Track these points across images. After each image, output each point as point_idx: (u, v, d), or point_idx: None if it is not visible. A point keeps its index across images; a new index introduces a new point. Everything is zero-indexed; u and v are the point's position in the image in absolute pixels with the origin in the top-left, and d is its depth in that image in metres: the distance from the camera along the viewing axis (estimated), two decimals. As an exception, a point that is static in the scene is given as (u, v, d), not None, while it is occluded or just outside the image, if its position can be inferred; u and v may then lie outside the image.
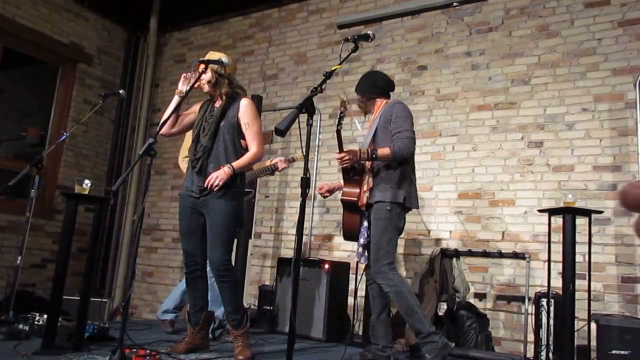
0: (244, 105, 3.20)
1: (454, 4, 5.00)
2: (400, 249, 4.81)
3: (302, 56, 5.90)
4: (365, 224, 3.36)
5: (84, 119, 4.39)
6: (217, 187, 3.02)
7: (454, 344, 3.79)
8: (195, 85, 3.13)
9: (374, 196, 3.29)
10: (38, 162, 3.65)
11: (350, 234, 3.45)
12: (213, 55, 3.21)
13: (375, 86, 3.52)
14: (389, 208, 3.24)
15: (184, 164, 3.86)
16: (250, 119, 3.19)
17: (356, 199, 3.35)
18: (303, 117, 2.54)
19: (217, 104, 3.26)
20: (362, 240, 3.36)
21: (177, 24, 7.00)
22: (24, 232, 3.60)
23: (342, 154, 3.22)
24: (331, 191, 3.65)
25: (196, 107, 3.36)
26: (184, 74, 3.20)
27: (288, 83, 5.91)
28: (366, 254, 3.35)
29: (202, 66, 3.13)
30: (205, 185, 3.05)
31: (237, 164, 3.10)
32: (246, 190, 3.77)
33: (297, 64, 5.92)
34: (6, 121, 7.18)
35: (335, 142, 5.33)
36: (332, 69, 2.69)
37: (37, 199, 4.33)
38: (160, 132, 3.13)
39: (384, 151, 3.26)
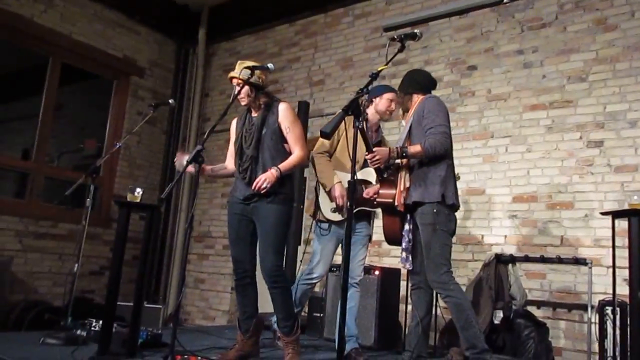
0: (283, 110, 3.18)
1: (504, 0, 4.85)
2: (452, 255, 4.67)
3: (348, 61, 5.87)
4: (407, 226, 3.24)
5: (136, 129, 4.50)
6: (265, 190, 2.99)
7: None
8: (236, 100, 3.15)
9: (411, 196, 3.15)
10: (93, 172, 3.75)
11: (392, 239, 3.32)
12: (242, 65, 3.18)
13: (415, 81, 3.39)
14: (435, 211, 3.09)
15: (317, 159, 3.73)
16: (290, 122, 3.17)
17: (392, 200, 3.21)
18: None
19: (255, 113, 3.25)
20: (404, 244, 3.24)
21: (224, 34, 7.12)
22: (80, 240, 3.70)
23: (372, 154, 3.10)
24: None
25: (233, 128, 3.37)
26: (178, 152, 3.25)
27: (334, 88, 5.89)
28: (410, 258, 3.23)
29: (237, 81, 3.14)
30: (253, 188, 3.03)
31: (283, 166, 3.07)
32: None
33: (343, 69, 5.89)
34: (66, 134, 7.49)
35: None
36: (379, 69, 2.63)
37: (94, 208, 4.48)
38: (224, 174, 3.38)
39: (415, 149, 3.12)
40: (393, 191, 3.22)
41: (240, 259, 3.22)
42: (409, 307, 4.34)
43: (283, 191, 3.14)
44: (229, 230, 3.26)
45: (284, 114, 3.17)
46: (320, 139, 3.55)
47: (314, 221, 3.71)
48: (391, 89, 3.70)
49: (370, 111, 3.64)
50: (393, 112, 3.66)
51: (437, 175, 3.14)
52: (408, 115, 3.35)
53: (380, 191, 3.28)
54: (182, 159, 3.15)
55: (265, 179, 2.98)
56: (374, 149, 3.12)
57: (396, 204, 3.19)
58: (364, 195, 3.53)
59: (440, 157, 3.15)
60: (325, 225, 3.59)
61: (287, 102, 3.28)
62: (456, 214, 3.28)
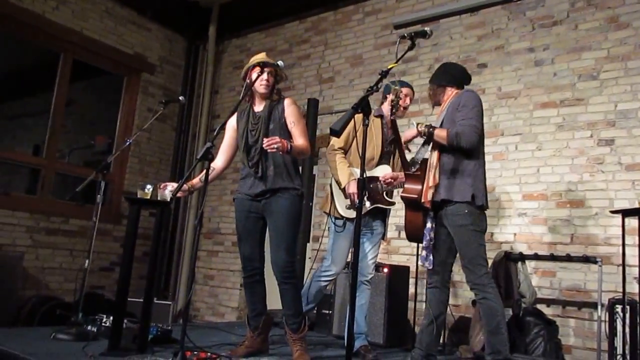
0: (289, 105, 3.21)
1: (516, -2, 4.82)
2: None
3: (358, 58, 5.87)
4: (429, 224, 3.14)
5: (146, 126, 4.53)
6: (274, 149, 2.90)
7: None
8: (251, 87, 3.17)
9: (440, 193, 3.05)
10: (104, 168, 3.78)
11: (414, 235, 3.22)
12: (259, 57, 3.23)
13: (448, 74, 3.28)
14: (467, 211, 3.00)
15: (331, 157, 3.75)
16: (296, 117, 3.20)
17: (417, 196, 3.10)
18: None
19: (258, 108, 3.26)
20: (425, 243, 3.15)
21: (234, 32, 7.13)
22: (91, 237, 3.73)
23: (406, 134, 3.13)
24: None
25: (232, 123, 3.35)
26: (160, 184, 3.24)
27: (344, 86, 5.89)
28: (431, 257, 3.14)
29: (258, 69, 3.16)
30: (263, 145, 2.93)
31: (294, 145, 3.05)
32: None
33: (353, 66, 5.89)
34: (77, 131, 7.55)
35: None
36: (389, 67, 2.62)
37: (105, 204, 4.50)
38: (215, 175, 3.30)
39: (441, 132, 3.03)
40: (419, 187, 3.12)
41: (249, 256, 3.23)
42: (419, 305, 4.35)
43: (295, 187, 3.17)
44: (238, 227, 3.28)
45: (290, 109, 3.20)
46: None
47: (329, 218, 3.70)
48: (405, 84, 3.68)
49: (385, 107, 3.63)
50: (408, 107, 3.65)
51: (468, 174, 3.05)
52: (441, 108, 3.26)
53: (406, 186, 3.18)
54: (164, 191, 3.19)
55: (278, 140, 2.91)
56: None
57: (422, 200, 3.09)
58: (382, 179, 3.50)
59: (467, 152, 3.04)
60: (340, 222, 3.60)
61: (291, 98, 3.29)
62: None
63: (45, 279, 5.64)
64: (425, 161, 3.18)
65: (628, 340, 3.47)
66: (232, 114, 3.10)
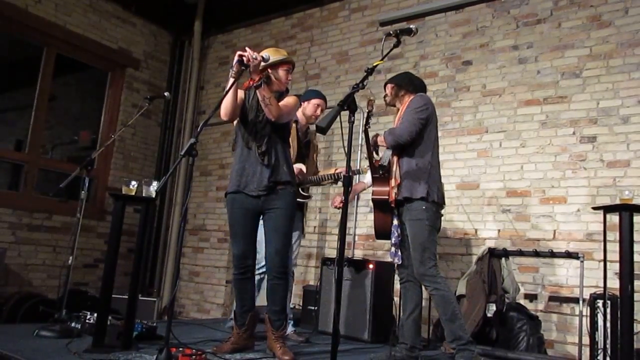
0: (289, 96, 3.34)
1: (500, -4, 4.86)
2: (446, 249, 4.71)
3: (344, 55, 5.87)
4: (395, 222, 3.31)
5: (131, 122, 4.50)
6: (254, 60, 2.93)
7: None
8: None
9: (401, 192, 3.22)
10: (88, 164, 3.75)
11: (382, 233, 3.40)
12: (287, 55, 3.33)
13: (412, 83, 3.44)
14: (424, 207, 3.17)
15: None
16: (287, 101, 3.26)
17: (387, 197, 3.29)
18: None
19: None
20: (393, 239, 3.31)
21: (220, 27, 7.09)
22: (75, 233, 3.70)
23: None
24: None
25: (242, 95, 3.31)
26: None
27: (330, 82, 5.89)
28: (399, 253, 3.31)
29: (289, 67, 3.31)
30: (245, 55, 2.93)
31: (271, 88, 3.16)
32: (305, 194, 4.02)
33: (339, 63, 5.89)
34: (60, 126, 7.46)
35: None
36: (374, 64, 2.64)
37: (88, 200, 4.46)
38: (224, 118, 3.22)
39: (380, 138, 3.30)
40: (386, 188, 3.30)
41: (244, 254, 3.23)
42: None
43: (292, 182, 3.25)
44: (232, 225, 3.25)
45: (288, 98, 3.29)
46: None
47: None
48: (320, 95, 4.07)
49: (299, 114, 3.95)
50: (318, 117, 3.97)
51: (422, 172, 3.22)
52: (399, 114, 3.40)
53: (374, 188, 3.37)
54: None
55: (257, 57, 2.97)
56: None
57: (390, 199, 3.26)
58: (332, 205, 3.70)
59: (421, 154, 3.25)
60: None
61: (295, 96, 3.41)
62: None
63: (28, 276, 5.58)
64: (390, 163, 3.35)
65: (609, 334, 3.52)
66: (216, 109, 3.05)
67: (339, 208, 3.71)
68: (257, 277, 3.69)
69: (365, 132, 3.26)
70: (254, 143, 3.19)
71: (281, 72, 3.25)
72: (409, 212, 3.22)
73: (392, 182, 3.26)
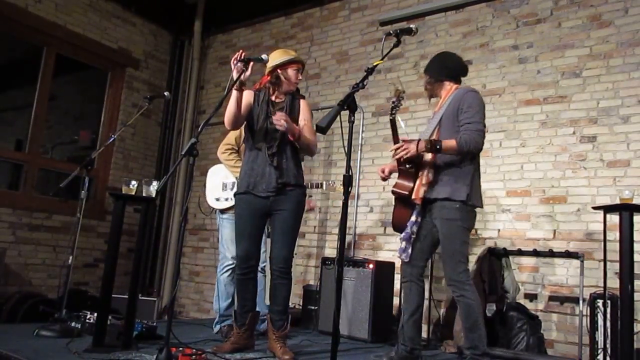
0: (305, 104, 3.40)
1: (500, -5, 4.86)
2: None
3: (344, 55, 5.87)
4: (414, 218, 3.15)
5: (131, 121, 4.50)
6: (282, 127, 3.04)
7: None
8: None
9: (435, 192, 3.06)
10: (88, 164, 3.75)
11: (398, 227, 3.26)
12: (296, 55, 3.38)
13: (446, 67, 3.25)
14: (457, 207, 3.02)
15: (225, 156, 3.96)
16: (308, 117, 3.34)
17: (408, 192, 3.12)
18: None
19: (277, 99, 3.32)
20: (405, 235, 3.16)
21: (220, 27, 7.09)
22: (75, 233, 3.70)
23: (398, 145, 3.01)
24: (392, 171, 3.34)
25: (249, 100, 3.31)
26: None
27: (330, 82, 5.89)
28: (409, 250, 3.16)
29: (299, 67, 3.39)
30: (275, 121, 3.05)
31: (303, 134, 3.20)
32: None
33: (339, 63, 5.89)
34: (60, 126, 7.47)
35: (377, 141, 5.29)
36: (374, 64, 2.64)
37: (89, 200, 4.46)
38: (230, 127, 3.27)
39: (449, 143, 3.00)
40: (411, 184, 3.12)
41: (248, 255, 3.23)
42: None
43: (302, 184, 3.27)
44: (242, 226, 3.24)
45: (306, 109, 3.37)
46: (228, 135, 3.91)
47: (217, 213, 4.06)
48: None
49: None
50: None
51: (464, 173, 3.07)
52: (439, 104, 3.24)
53: (398, 181, 3.18)
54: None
55: (287, 120, 3.05)
56: (402, 140, 3.04)
57: (413, 197, 3.10)
58: (379, 172, 3.40)
59: (471, 155, 3.09)
60: (226, 215, 3.97)
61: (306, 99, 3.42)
62: None
63: (28, 276, 5.58)
64: (421, 158, 3.14)
65: (609, 334, 3.53)
66: (217, 110, 3.05)
67: (385, 178, 3.38)
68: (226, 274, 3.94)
69: (392, 122, 3.10)
70: (263, 144, 3.20)
71: (290, 72, 3.29)
72: (440, 209, 3.07)
73: (423, 180, 3.08)
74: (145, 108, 4.16)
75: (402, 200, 3.19)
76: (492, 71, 4.84)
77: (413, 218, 3.16)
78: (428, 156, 3.10)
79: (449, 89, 3.23)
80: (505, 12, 4.88)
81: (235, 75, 3.00)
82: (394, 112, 3.15)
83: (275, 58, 3.30)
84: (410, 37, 2.91)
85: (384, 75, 5.41)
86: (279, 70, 3.25)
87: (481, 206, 3.18)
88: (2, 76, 7.79)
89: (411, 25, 2.84)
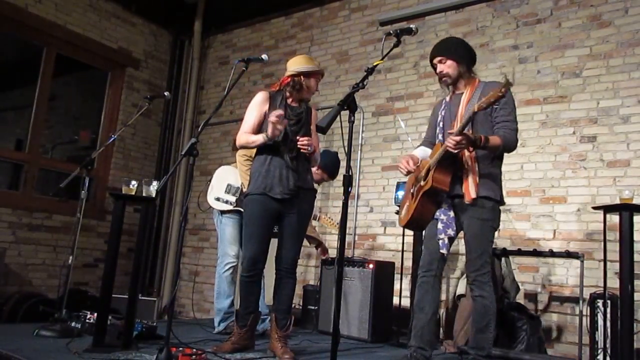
0: (315, 113, 3.46)
1: (500, -5, 4.86)
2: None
3: (344, 55, 5.87)
4: (451, 213, 2.99)
5: (131, 121, 4.50)
6: (307, 151, 3.16)
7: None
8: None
9: (479, 190, 2.94)
10: (88, 164, 3.75)
11: (416, 223, 3.10)
12: (317, 65, 3.41)
13: (472, 58, 3.13)
14: (491, 206, 2.96)
15: (242, 160, 3.92)
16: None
17: (447, 189, 2.93)
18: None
19: (295, 103, 3.35)
20: (451, 232, 2.98)
21: (220, 27, 7.09)
22: (75, 233, 3.70)
23: (461, 138, 2.76)
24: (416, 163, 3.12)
25: (262, 101, 3.31)
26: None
27: (330, 82, 5.89)
28: (447, 243, 2.99)
29: (320, 78, 3.45)
30: (300, 143, 3.14)
31: (316, 151, 3.35)
32: None
33: (339, 63, 5.89)
34: (60, 125, 7.46)
35: (377, 141, 5.28)
36: (374, 64, 2.63)
37: (89, 200, 4.47)
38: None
39: (495, 141, 2.87)
40: (448, 179, 2.94)
41: (256, 257, 3.22)
42: (404, 301, 4.37)
43: (315, 188, 3.38)
44: (252, 227, 3.22)
45: (316, 118, 3.41)
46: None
47: (217, 213, 4.09)
48: (326, 165, 4.27)
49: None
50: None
51: (498, 173, 3.05)
52: (466, 97, 3.04)
53: (436, 176, 2.93)
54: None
55: (312, 144, 3.17)
56: (464, 133, 2.81)
57: (467, 199, 2.93)
58: (404, 163, 3.15)
59: (506, 153, 3.07)
60: (228, 215, 4.03)
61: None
62: None
63: (28, 276, 5.59)
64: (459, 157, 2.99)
65: (609, 334, 3.53)
66: (217, 109, 3.07)
67: (410, 171, 3.15)
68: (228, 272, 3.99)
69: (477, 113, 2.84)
70: (282, 147, 3.22)
71: (313, 82, 3.35)
72: (477, 209, 2.94)
73: (470, 180, 2.93)
74: (145, 108, 4.15)
75: (430, 195, 2.98)
76: (492, 71, 4.84)
77: (450, 213, 3.00)
78: (466, 152, 2.96)
79: (474, 81, 3.11)
80: (505, 12, 4.88)
81: (275, 135, 3.13)
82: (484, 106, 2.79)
83: (299, 63, 3.32)
84: (410, 37, 2.91)
85: (384, 75, 5.41)
86: (302, 77, 3.28)
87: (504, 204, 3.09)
88: (2, 76, 7.79)
89: (411, 25, 2.83)
